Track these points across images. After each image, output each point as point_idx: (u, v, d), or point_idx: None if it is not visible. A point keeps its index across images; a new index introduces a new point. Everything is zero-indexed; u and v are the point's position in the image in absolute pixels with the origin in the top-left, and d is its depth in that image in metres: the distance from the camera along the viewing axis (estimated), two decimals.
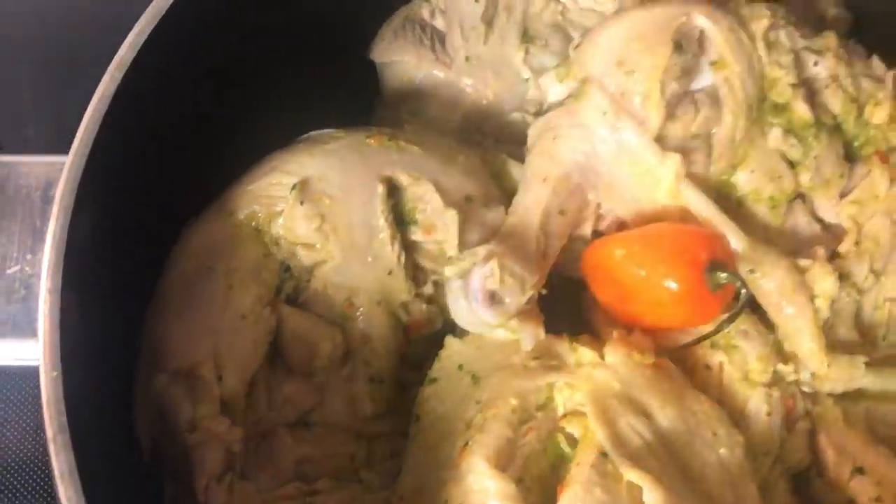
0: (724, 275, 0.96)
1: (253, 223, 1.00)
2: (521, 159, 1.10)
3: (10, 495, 1.12)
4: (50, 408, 0.71)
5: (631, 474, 0.86)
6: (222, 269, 0.97)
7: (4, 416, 1.15)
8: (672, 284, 0.96)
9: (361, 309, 1.01)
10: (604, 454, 0.89)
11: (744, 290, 0.96)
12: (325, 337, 0.99)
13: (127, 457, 0.88)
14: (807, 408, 1.03)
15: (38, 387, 0.75)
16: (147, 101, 0.89)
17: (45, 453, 0.73)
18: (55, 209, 0.79)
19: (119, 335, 0.89)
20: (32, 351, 0.76)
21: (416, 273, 1.04)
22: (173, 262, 0.99)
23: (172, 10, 0.90)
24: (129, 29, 0.88)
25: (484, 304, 0.94)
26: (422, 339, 1.06)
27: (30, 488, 1.15)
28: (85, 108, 0.84)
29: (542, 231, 1.01)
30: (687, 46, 1.05)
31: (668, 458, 0.91)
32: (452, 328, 1.04)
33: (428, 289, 1.05)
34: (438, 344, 1.03)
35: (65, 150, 0.83)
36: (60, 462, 0.70)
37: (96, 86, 0.85)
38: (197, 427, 0.93)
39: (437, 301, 1.05)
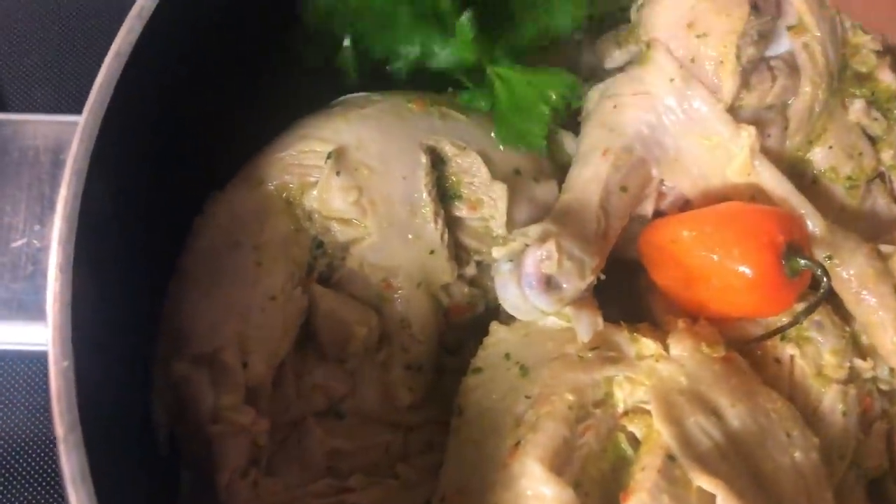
0: (803, 261, 0.87)
1: (284, 195, 0.91)
2: (574, 130, 1.01)
3: (17, 485, 1.05)
4: (60, 403, 0.63)
5: (703, 480, 0.79)
6: (250, 245, 0.89)
7: (10, 403, 1.08)
8: (747, 270, 0.87)
9: (400, 290, 0.93)
10: (671, 457, 0.81)
11: (825, 279, 0.87)
12: (361, 320, 0.92)
13: (144, 452, 0.79)
14: (884, 407, 0.95)
15: (45, 372, 0.66)
16: (168, 57, 0.80)
17: (53, 442, 0.64)
18: (67, 174, 0.70)
19: (137, 317, 0.81)
20: (40, 334, 0.67)
21: (458, 253, 0.96)
22: (197, 236, 0.90)
23: None
24: None
25: (539, 290, 0.86)
26: (462, 324, 0.98)
27: (37, 477, 1.08)
28: (100, 66, 0.75)
29: (601, 209, 0.92)
30: (764, 8, 0.96)
31: (739, 461, 0.83)
32: (496, 312, 0.96)
33: (471, 270, 0.97)
34: (479, 328, 0.96)
35: (77, 109, 0.74)
36: (72, 464, 0.61)
37: (112, 41, 0.75)
38: (220, 417, 0.85)
39: (480, 283, 0.98)
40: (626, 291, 1.02)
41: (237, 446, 0.85)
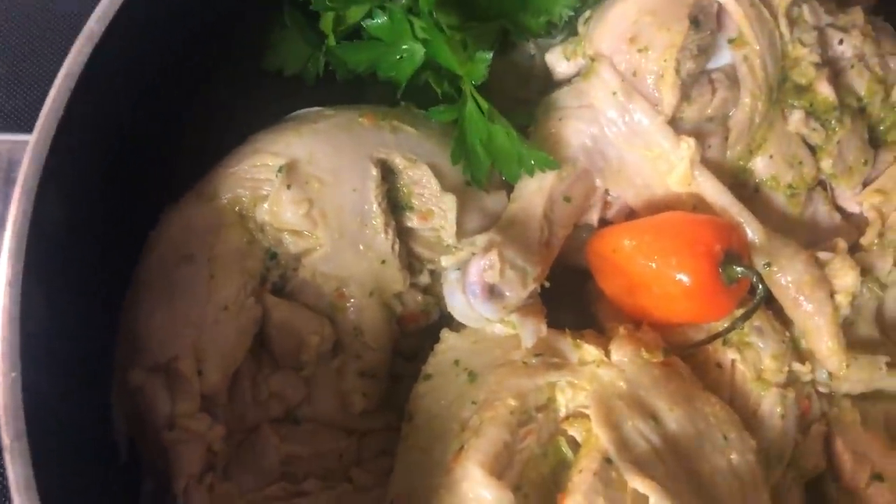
0: (739, 268, 0.90)
1: (236, 208, 0.94)
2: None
3: None
4: (6, 413, 0.65)
5: (637, 482, 0.81)
6: (204, 257, 0.92)
7: None
8: (684, 277, 0.90)
9: (353, 300, 0.96)
10: (608, 460, 0.84)
11: (761, 286, 0.90)
12: (314, 329, 0.94)
13: (95, 460, 0.82)
14: (823, 410, 0.98)
15: None
16: (119, 77, 0.83)
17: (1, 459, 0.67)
18: (17, 192, 0.73)
19: (91, 329, 0.83)
20: None
21: (410, 262, 0.99)
22: (151, 250, 0.93)
23: None
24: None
25: (482, 298, 0.88)
26: (417, 331, 1.01)
27: None
28: (51, 85, 0.77)
29: (545, 219, 0.95)
30: (704, 22, 0.98)
31: (676, 463, 0.86)
32: (449, 320, 0.98)
33: (424, 278, 0.99)
34: (435, 335, 0.98)
35: (28, 128, 0.76)
36: (17, 472, 0.64)
37: (63, 60, 0.78)
38: (176, 424, 0.88)
39: (433, 292, 1.00)
40: (576, 298, 1.05)
41: (193, 452, 0.88)
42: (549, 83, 1.07)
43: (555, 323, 0.94)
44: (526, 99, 1.09)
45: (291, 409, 0.96)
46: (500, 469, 0.82)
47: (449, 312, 0.96)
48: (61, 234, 0.78)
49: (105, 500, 0.82)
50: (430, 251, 0.99)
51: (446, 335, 0.97)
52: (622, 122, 0.97)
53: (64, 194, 0.78)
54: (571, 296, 1.04)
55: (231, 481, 0.91)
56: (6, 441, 0.64)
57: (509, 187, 1.00)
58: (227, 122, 0.97)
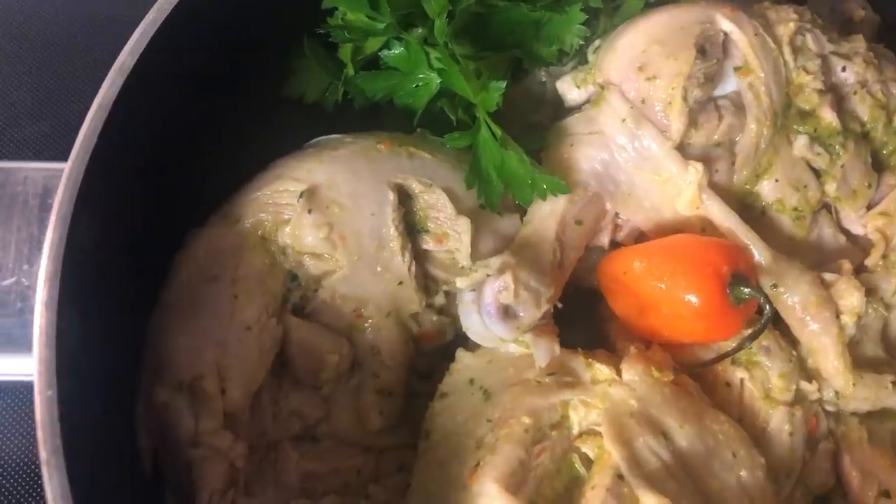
0: (746, 289, 0.92)
1: (259, 231, 0.97)
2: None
3: None
4: (44, 429, 0.68)
5: (648, 498, 0.83)
6: (227, 279, 0.95)
7: (1, 429, 1.13)
8: (693, 298, 0.92)
9: (370, 320, 0.98)
10: (620, 476, 0.86)
11: (768, 307, 0.93)
12: (333, 348, 0.97)
13: (125, 474, 0.85)
14: (830, 428, 1.00)
15: (32, 401, 0.72)
16: (148, 107, 0.86)
17: (40, 472, 0.70)
18: (53, 218, 0.76)
19: (119, 348, 0.86)
20: (28, 366, 0.73)
21: (427, 283, 1.01)
22: (177, 272, 0.96)
23: (174, 14, 0.87)
24: (131, 34, 0.85)
25: (497, 319, 0.91)
26: (433, 350, 1.03)
27: (27, 497, 1.12)
28: (85, 114, 0.81)
29: (558, 241, 0.97)
30: (711, 51, 1.01)
31: (686, 480, 0.88)
32: (464, 339, 1.01)
33: (439, 299, 1.02)
34: (450, 354, 1.01)
35: (64, 156, 0.80)
36: (54, 486, 0.67)
37: (97, 91, 0.82)
38: (199, 442, 0.91)
39: (448, 312, 1.02)
40: (588, 318, 1.08)
41: (216, 469, 0.91)
42: (560, 110, 1.10)
43: (567, 343, 0.96)
44: (538, 124, 1.12)
45: (311, 426, 0.98)
46: (515, 485, 0.85)
47: (464, 332, 0.99)
48: (94, 258, 0.81)
49: None
50: (445, 273, 1.01)
51: (461, 355, 0.99)
52: (632, 147, 1.00)
53: (97, 219, 0.82)
54: (584, 316, 1.07)
55: (252, 497, 0.93)
56: (44, 455, 0.68)
57: (522, 211, 1.03)
58: (249, 149, 1.01)
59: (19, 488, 1.13)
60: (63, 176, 0.79)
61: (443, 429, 0.95)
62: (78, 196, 0.79)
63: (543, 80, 1.16)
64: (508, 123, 1.02)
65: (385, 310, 0.99)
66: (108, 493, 0.78)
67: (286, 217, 0.97)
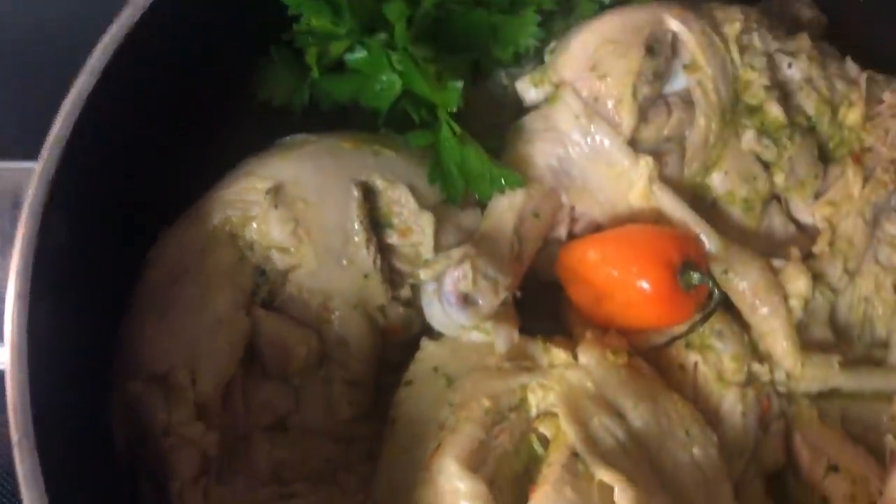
0: (696, 275, 0.96)
1: (227, 228, 1.00)
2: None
3: None
4: (15, 412, 0.72)
5: (602, 474, 0.87)
6: (197, 274, 0.98)
7: None
8: (645, 285, 0.96)
9: (337, 313, 1.01)
10: (575, 454, 0.89)
11: (716, 291, 0.97)
12: (301, 340, 1.00)
13: (102, 465, 0.88)
14: (782, 408, 1.03)
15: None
16: (119, 107, 0.90)
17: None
18: (24, 214, 0.80)
19: (91, 340, 0.89)
20: (2, 354, 0.76)
21: (392, 276, 1.05)
22: (148, 268, 0.99)
23: (145, 16, 0.90)
24: (102, 35, 0.88)
25: (457, 306, 0.95)
26: (402, 342, 1.06)
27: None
28: (55, 114, 0.84)
29: (515, 234, 1.01)
30: (659, 50, 1.05)
31: (640, 458, 0.92)
32: (431, 331, 1.04)
33: (405, 292, 1.05)
34: (417, 347, 1.03)
35: (35, 155, 0.83)
36: (24, 466, 0.70)
37: (68, 91, 0.85)
38: (171, 431, 0.93)
39: (414, 304, 1.05)
40: (552, 309, 1.11)
41: (188, 457, 0.93)
42: (521, 112, 1.15)
43: (533, 331, 1.00)
44: (501, 124, 1.17)
45: (281, 417, 1.01)
46: (475, 464, 0.88)
47: (429, 324, 1.02)
48: (65, 253, 0.84)
49: (111, 493, 0.87)
50: (410, 266, 1.05)
51: (426, 344, 1.03)
52: (585, 143, 1.04)
53: (67, 218, 0.85)
54: (547, 309, 1.11)
55: (224, 485, 0.96)
56: (15, 437, 0.71)
57: (484, 206, 1.07)
58: (220, 149, 1.04)
59: None
60: (33, 176, 0.83)
61: (407, 415, 0.98)
62: (48, 195, 0.82)
63: (504, 82, 1.20)
64: (471, 124, 1.05)
65: (352, 303, 1.02)
66: (83, 477, 0.81)
67: (253, 213, 1.00)
